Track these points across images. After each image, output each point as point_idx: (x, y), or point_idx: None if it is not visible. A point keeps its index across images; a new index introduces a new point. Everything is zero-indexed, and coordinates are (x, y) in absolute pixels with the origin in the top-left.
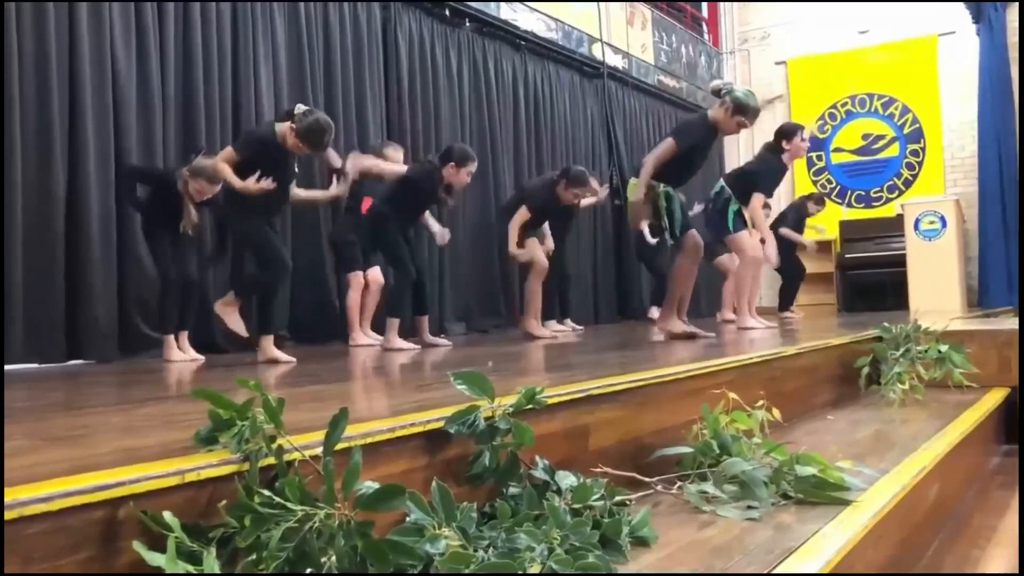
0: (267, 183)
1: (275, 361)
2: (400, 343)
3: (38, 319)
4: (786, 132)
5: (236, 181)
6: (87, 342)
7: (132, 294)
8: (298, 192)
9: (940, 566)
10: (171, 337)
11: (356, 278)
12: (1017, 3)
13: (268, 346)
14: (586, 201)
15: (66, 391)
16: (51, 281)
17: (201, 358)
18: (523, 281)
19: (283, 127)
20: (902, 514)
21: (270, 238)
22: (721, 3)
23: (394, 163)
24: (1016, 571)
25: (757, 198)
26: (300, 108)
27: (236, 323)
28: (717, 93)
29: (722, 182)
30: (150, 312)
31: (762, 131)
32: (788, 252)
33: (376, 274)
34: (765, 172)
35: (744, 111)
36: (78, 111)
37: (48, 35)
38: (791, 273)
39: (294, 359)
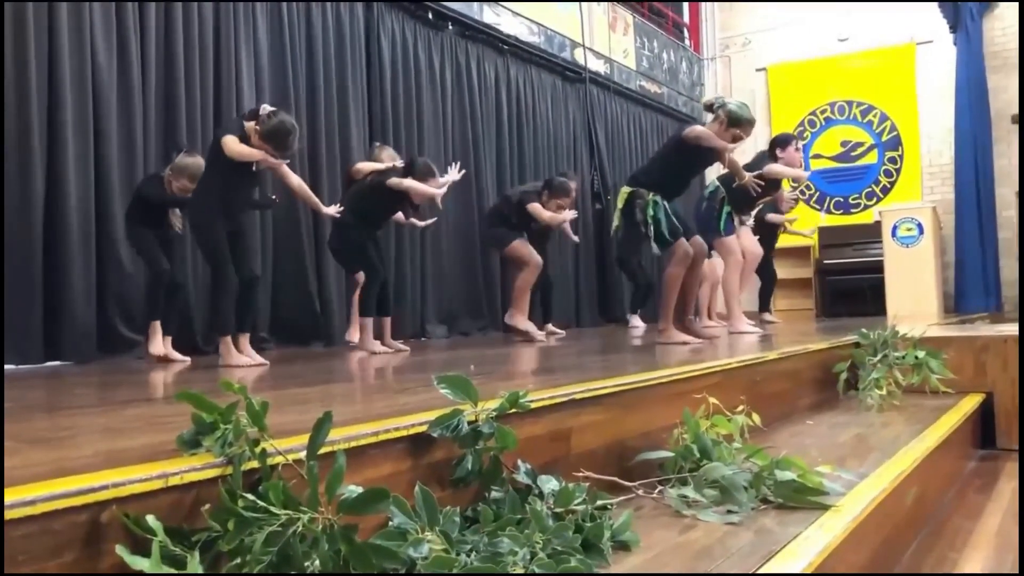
0: (272, 160)
1: (237, 365)
2: (374, 345)
3: (16, 320)
4: (780, 141)
5: (248, 150)
6: (66, 343)
7: (111, 295)
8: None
9: (918, 568)
10: (156, 323)
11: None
12: (994, 13)
13: (229, 349)
14: (566, 215)
15: (47, 392)
16: (30, 282)
17: (187, 360)
18: (505, 280)
19: (249, 126)
20: (881, 518)
21: (222, 250)
22: (704, 5)
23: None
24: (995, 571)
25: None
26: (265, 108)
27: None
28: (710, 108)
29: (716, 182)
30: (129, 312)
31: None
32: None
33: None
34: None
35: (739, 123)
36: (57, 111)
37: (27, 35)
38: (767, 275)
39: (256, 361)
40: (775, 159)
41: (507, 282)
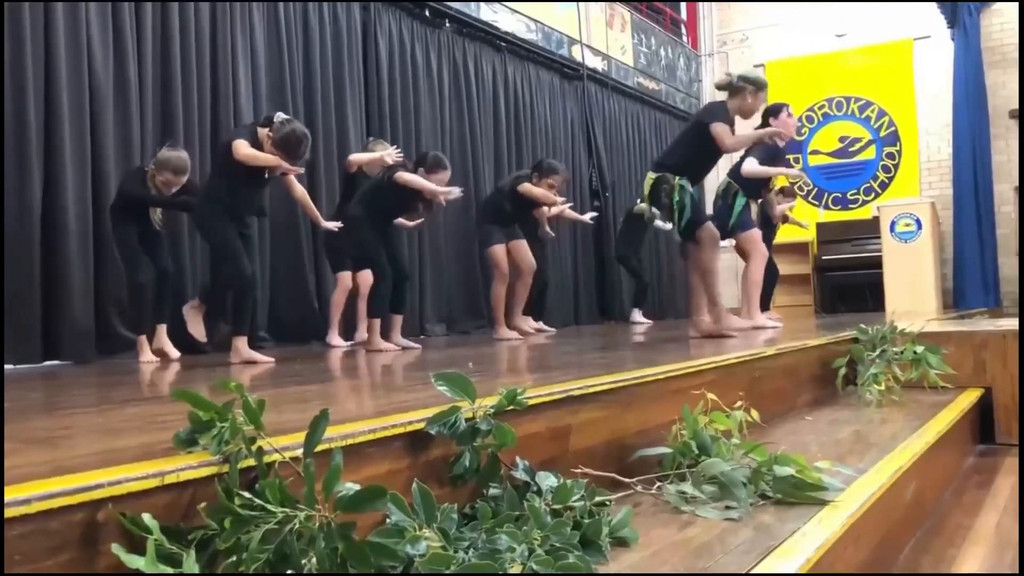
0: (287, 166)
1: (251, 362)
2: (382, 344)
3: (14, 320)
4: (772, 110)
5: (259, 155)
6: (64, 343)
7: (109, 294)
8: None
9: (917, 565)
10: (143, 338)
11: (343, 279)
12: (992, 8)
13: (242, 347)
14: (568, 214)
15: (44, 392)
16: (28, 281)
17: (177, 353)
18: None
19: (263, 133)
20: (880, 513)
21: (235, 246)
22: (701, 4)
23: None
24: (991, 571)
25: (750, 161)
26: (280, 117)
27: (197, 328)
28: (728, 86)
29: (727, 178)
30: (127, 312)
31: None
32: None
33: (368, 277)
34: (758, 148)
35: (762, 85)
36: (54, 112)
37: (24, 34)
38: (768, 273)
39: (271, 359)
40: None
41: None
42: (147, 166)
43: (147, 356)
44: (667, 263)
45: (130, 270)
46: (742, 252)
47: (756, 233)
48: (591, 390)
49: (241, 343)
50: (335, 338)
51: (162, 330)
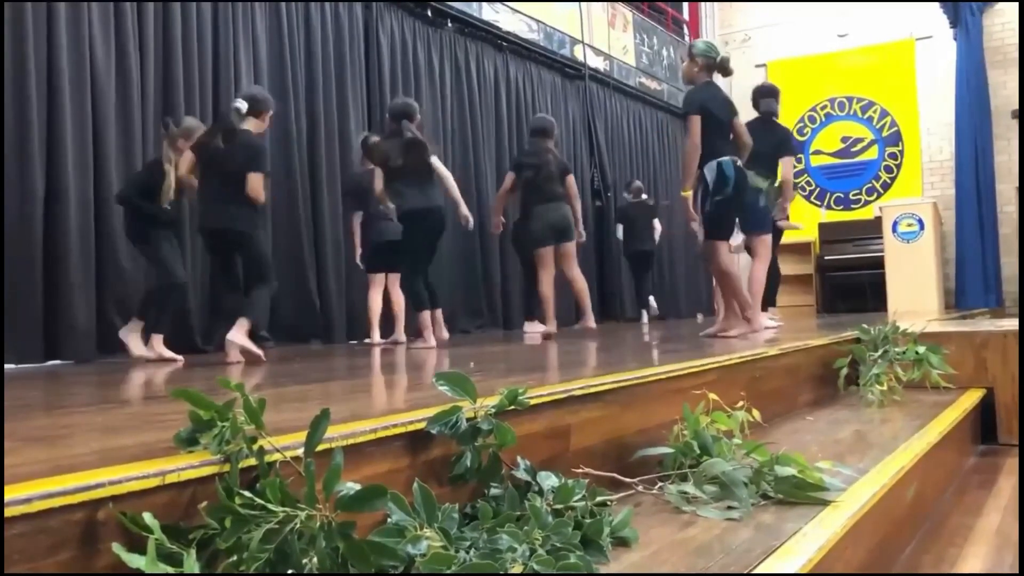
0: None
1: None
2: (432, 339)
3: (16, 319)
4: (773, 91)
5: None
6: (65, 342)
7: (110, 294)
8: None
9: (918, 565)
10: (139, 334)
11: (380, 280)
12: (994, 8)
13: (157, 344)
14: None
15: (45, 391)
16: (29, 280)
17: (180, 359)
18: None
19: (253, 122)
20: (881, 513)
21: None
22: (703, 4)
23: None
24: (992, 571)
25: (788, 162)
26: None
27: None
28: (726, 67)
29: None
30: (129, 312)
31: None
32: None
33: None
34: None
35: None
36: (56, 109)
37: (26, 32)
38: (772, 273)
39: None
40: (776, 104)
41: (530, 281)
42: (164, 160)
43: (140, 349)
44: (667, 264)
45: (169, 273)
46: (752, 252)
47: (770, 237)
48: (592, 390)
49: (157, 340)
50: (376, 336)
51: (158, 340)
